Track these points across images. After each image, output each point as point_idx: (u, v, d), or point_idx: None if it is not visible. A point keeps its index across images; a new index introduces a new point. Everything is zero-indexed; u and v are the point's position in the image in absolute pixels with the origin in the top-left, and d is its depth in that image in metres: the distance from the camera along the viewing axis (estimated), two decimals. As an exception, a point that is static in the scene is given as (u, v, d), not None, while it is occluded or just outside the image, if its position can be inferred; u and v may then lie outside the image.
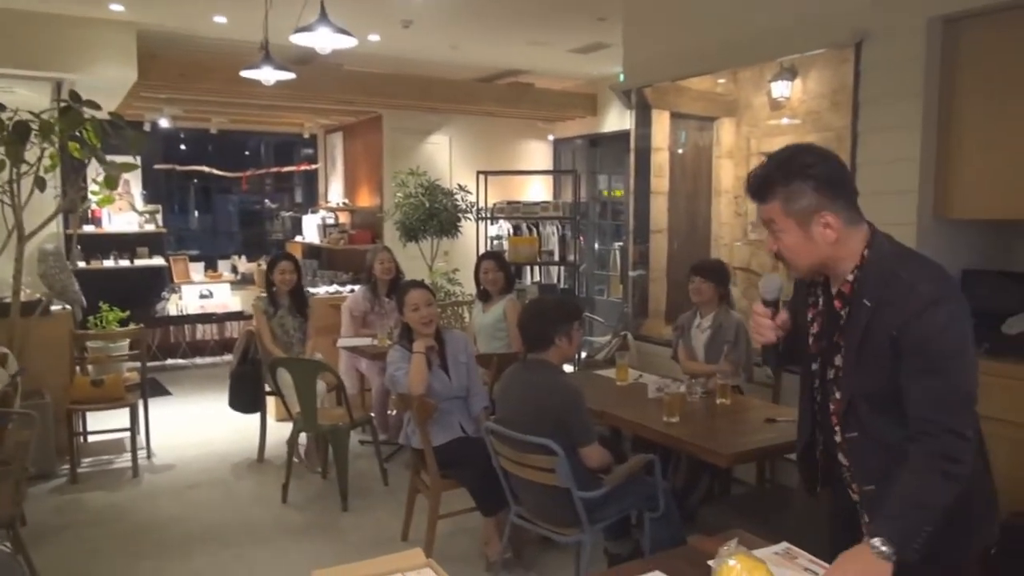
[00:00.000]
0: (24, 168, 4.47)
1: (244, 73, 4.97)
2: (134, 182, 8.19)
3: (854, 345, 1.74)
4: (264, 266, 8.11)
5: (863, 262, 1.72)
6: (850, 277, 1.74)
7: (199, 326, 8.40)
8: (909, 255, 1.77)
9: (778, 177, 1.71)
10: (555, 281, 7.71)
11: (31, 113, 4.41)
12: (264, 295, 5.07)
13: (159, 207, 8.45)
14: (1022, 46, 3.17)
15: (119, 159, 4.73)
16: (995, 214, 3.36)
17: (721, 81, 6.41)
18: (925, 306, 1.64)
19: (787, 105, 6.14)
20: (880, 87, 3.59)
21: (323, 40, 4.12)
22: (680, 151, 6.24)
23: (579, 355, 5.37)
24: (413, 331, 3.65)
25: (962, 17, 3.33)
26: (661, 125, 5.76)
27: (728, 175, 6.69)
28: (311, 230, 8.94)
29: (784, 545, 1.64)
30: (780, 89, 6.01)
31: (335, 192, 9.47)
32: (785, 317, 1.87)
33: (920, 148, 3.43)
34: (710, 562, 1.50)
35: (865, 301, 1.70)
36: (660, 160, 5.77)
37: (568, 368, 3.72)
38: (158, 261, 8.20)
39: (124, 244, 8.03)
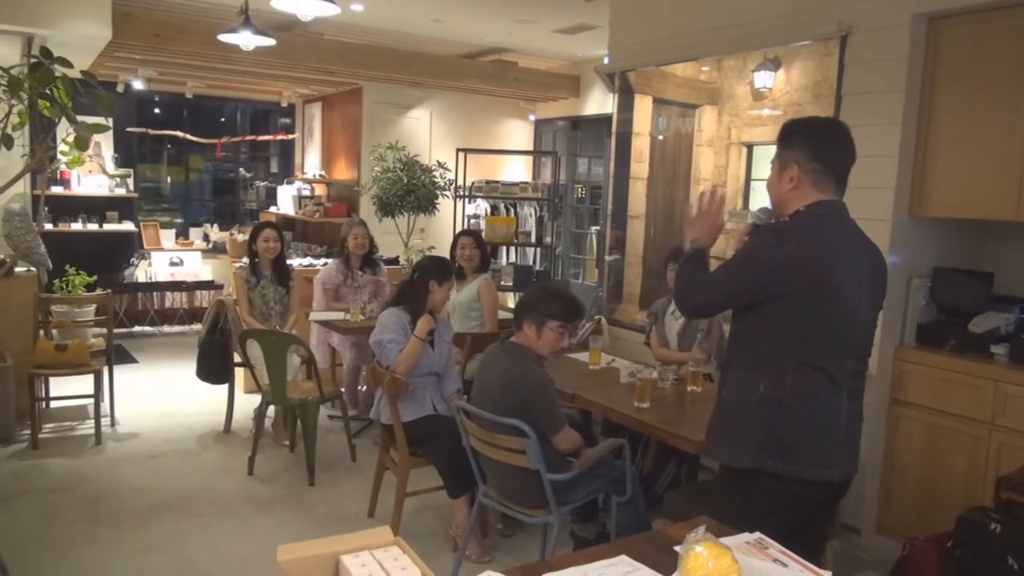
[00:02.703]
0: (-9, 124, 4.34)
1: (222, 37, 4.87)
2: (105, 144, 8.01)
3: None
4: (236, 235, 8.04)
5: (796, 213, 2.14)
6: (785, 219, 2.17)
7: (168, 294, 8.28)
8: (816, 225, 2.10)
9: (789, 127, 2.22)
10: (531, 263, 7.70)
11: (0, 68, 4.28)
12: (246, 264, 4.99)
13: (131, 171, 8.28)
14: (1000, 47, 3.20)
15: (91, 120, 4.61)
16: (967, 213, 3.40)
17: (705, 69, 6.41)
18: (766, 228, 2.19)
19: (769, 96, 6.16)
20: (863, 82, 3.60)
21: (305, 6, 4.04)
22: (661, 137, 6.24)
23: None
24: (424, 301, 3.65)
25: (946, 15, 3.34)
26: (643, 110, 5.74)
27: (708, 163, 6.71)
28: (286, 201, 8.82)
29: (756, 535, 1.65)
30: (763, 79, 6.02)
31: (312, 163, 9.34)
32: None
33: (899, 145, 3.45)
34: (676, 548, 1.51)
35: None
36: (641, 145, 5.76)
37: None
38: (128, 226, 8.04)
39: (93, 207, 7.87)
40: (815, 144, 2.13)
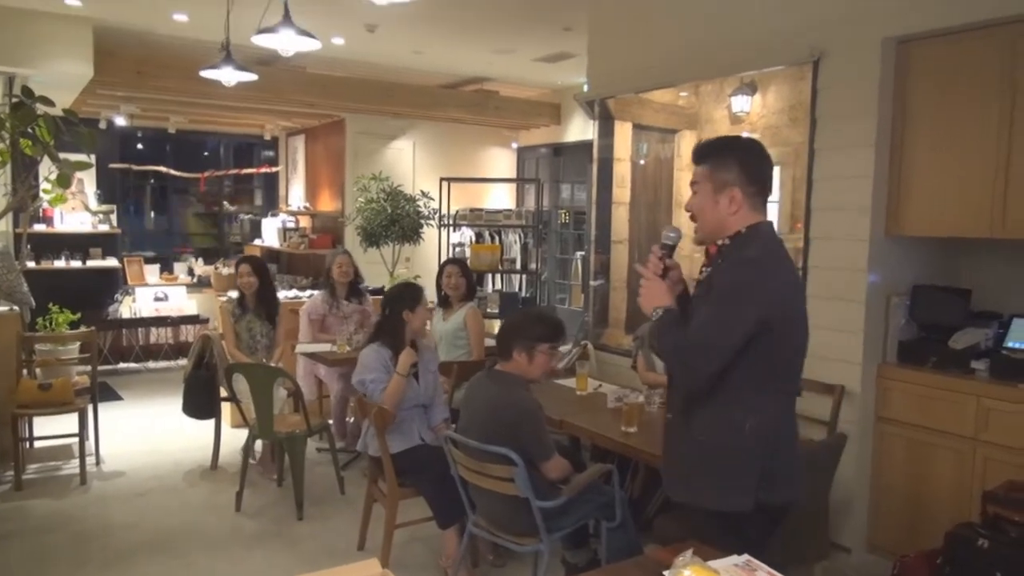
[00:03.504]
0: (-28, 164, 4.36)
1: (204, 73, 4.89)
2: (88, 181, 8.00)
3: (697, 295, 2.14)
4: (221, 269, 8.03)
5: (737, 235, 2.07)
6: (720, 242, 2.10)
7: (153, 329, 8.22)
8: (777, 251, 2.08)
9: (719, 148, 2.13)
10: (517, 290, 7.72)
11: (-19, 108, 4.30)
12: (233, 297, 4.98)
13: (114, 207, 8.26)
14: (968, 68, 3.27)
15: (73, 157, 4.63)
16: (944, 231, 3.46)
17: (683, 94, 6.50)
18: (738, 261, 2.04)
19: (747, 119, 6.25)
20: (836, 105, 3.67)
21: (286, 42, 4.07)
22: (642, 162, 6.30)
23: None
24: (402, 333, 3.64)
25: (915, 39, 3.42)
26: (623, 136, 5.81)
27: (688, 187, 6.77)
28: (271, 234, 8.82)
29: (745, 557, 1.66)
30: (740, 104, 6.11)
31: (296, 196, 9.36)
32: (675, 265, 2.19)
33: (874, 166, 3.51)
34: (665, 572, 1.52)
35: (719, 260, 2.10)
36: (622, 171, 5.82)
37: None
38: (112, 262, 8.01)
39: (76, 244, 7.83)
40: (750, 165, 2.08)
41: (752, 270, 2.01)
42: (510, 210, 7.47)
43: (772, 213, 6.49)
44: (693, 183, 2.14)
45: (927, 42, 3.40)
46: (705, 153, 2.14)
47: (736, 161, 2.07)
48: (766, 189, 2.11)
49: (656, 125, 6.36)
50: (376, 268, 6.75)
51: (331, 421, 5.00)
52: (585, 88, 5.51)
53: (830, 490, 3.10)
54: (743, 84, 5.98)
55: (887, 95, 3.50)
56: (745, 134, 6.32)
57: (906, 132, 3.50)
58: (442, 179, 7.22)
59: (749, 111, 6.17)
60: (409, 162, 8.47)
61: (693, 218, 2.16)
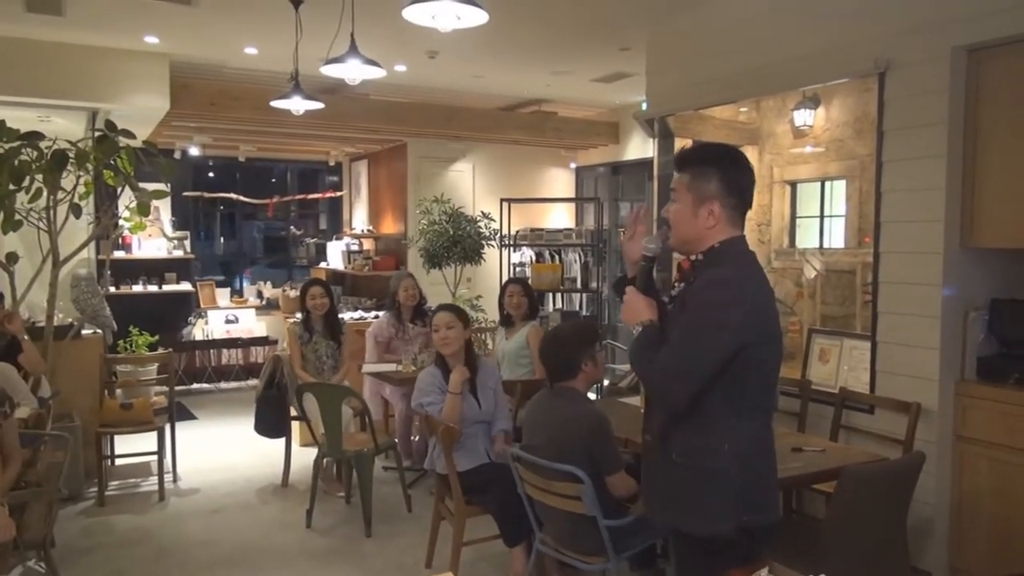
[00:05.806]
0: (60, 195, 4.60)
1: (274, 103, 5.07)
2: (164, 209, 8.33)
3: (671, 312, 2.08)
4: (288, 292, 8.26)
5: (710, 250, 2.01)
6: (693, 257, 2.05)
7: (224, 351, 8.49)
8: (750, 268, 2.02)
9: (700, 158, 2.05)
10: (577, 308, 7.71)
11: (68, 142, 4.54)
12: (299, 320, 5.13)
13: (187, 233, 8.59)
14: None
15: (151, 186, 4.84)
16: (1021, 243, 3.34)
17: (744, 110, 6.45)
18: (711, 282, 1.96)
19: (810, 133, 6.16)
20: (904, 116, 3.60)
21: (353, 71, 4.20)
22: (703, 179, 6.26)
23: (603, 383, 5.37)
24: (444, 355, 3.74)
25: (986, 47, 3.34)
26: (684, 153, 5.78)
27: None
28: (335, 256, 9.03)
29: (819, 576, 1.63)
30: (803, 117, 6.03)
31: (359, 219, 9.57)
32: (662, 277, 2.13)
33: (946, 177, 3.42)
34: (740, 591, 1.50)
35: (692, 278, 2.04)
36: (683, 188, 5.78)
37: (591, 395, 3.71)
38: (185, 286, 8.31)
39: (153, 269, 8.16)
40: (731, 177, 2.00)
41: (727, 292, 1.93)
42: (570, 229, 7.50)
43: (838, 227, 6.37)
44: (672, 190, 2.07)
45: (999, 50, 3.31)
46: (687, 161, 2.06)
47: (717, 173, 2.00)
48: (745, 202, 2.04)
49: (717, 141, 6.32)
50: (438, 289, 6.84)
51: (397, 439, 5.07)
52: (644, 106, 5.52)
53: (908, 511, 3.00)
54: (806, 98, 5.91)
55: (958, 105, 3.42)
56: (809, 148, 6.23)
57: (979, 141, 3.40)
58: (502, 200, 7.30)
59: (812, 125, 6.08)
60: (470, 184, 8.58)
61: (669, 225, 2.10)
